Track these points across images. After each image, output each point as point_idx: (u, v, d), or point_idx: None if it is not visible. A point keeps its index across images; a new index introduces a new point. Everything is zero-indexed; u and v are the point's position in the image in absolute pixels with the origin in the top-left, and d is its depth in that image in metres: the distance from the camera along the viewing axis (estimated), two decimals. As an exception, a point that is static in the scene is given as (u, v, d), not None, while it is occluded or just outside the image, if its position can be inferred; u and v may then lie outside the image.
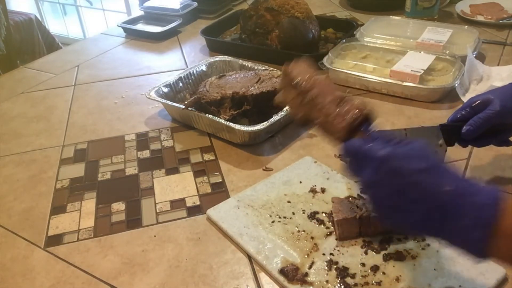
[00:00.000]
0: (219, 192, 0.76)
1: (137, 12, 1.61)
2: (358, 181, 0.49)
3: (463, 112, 0.67)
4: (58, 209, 0.75)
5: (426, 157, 0.45)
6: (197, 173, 0.81)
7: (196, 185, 0.78)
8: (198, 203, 0.74)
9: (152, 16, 1.52)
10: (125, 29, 1.47)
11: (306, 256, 0.61)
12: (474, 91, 0.99)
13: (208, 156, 0.86)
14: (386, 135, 0.50)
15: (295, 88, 0.57)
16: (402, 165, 0.44)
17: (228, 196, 0.75)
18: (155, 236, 0.68)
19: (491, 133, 0.66)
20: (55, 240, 0.69)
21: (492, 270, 0.57)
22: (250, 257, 0.63)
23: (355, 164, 0.49)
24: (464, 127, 0.65)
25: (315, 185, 0.74)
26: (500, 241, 0.39)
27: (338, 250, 0.62)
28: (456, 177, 0.43)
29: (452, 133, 0.66)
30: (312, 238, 0.64)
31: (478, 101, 0.66)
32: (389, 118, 0.94)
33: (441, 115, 0.93)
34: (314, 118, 0.55)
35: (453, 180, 0.43)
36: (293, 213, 0.69)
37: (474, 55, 1.05)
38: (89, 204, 0.76)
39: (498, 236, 0.39)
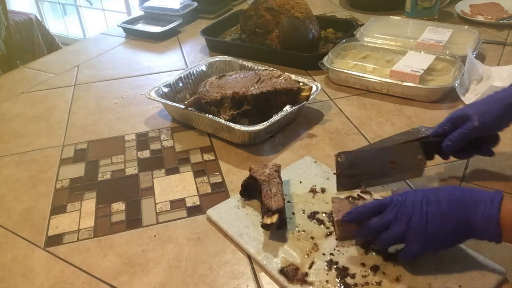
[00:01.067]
0: (219, 192, 0.76)
1: (137, 12, 1.61)
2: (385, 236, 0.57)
3: (444, 127, 0.69)
4: (58, 209, 0.75)
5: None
6: (197, 173, 0.81)
7: (196, 185, 0.78)
8: (198, 203, 0.74)
9: (152, 16, 1.52)
10: (125, 29, 1.47)
11: (306, 256, 0.61)
12: (474, 91, 0.99)
13: (208, 156, 0.86)
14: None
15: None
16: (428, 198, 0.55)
17: (228, 196, 0.75)
18: (155, 236, 0.68)
19: (471, 145, 0.69)
20: (55, 240, 0.69)
21: (492, 271, 0.57)
22: (250, 257, 0.63)
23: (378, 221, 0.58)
24: (444, 142, 0.68)
25: (315, 185, 0.74)
26: (505, 222, 0.50)
27: (338, 250, 0.62)
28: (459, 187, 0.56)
29: (432, 147, 0.69)
30: (312, 238, 0.64)
31: (458, 117, 0.68)
32: (389, 118, 0.94)
33: (441, 115, 0.93)
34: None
35: (460, 189, 0.55)
36: (293, 213, 0.69)
37: (474, 55, 1.05)
38: (89, 204, 0.76)
39: (503, 217, 0.50)
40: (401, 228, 0.55)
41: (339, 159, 0.69)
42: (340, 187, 0.70)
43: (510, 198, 0.52)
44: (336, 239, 0.64)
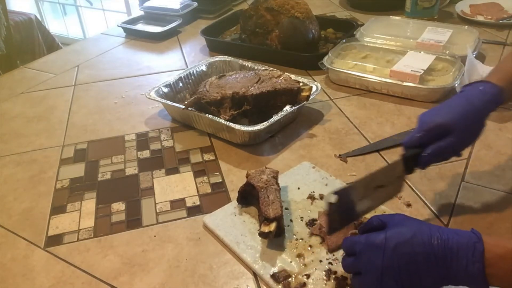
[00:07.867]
0: (219, 192, 0.76)
1: (137, 12, 1.61)
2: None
3: (419, 135, 0.61)
4: (58, 209, 0.75)
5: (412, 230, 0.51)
6: (197, 173, 0.81)
7: (196, 185, 0.78)
8: (198, 203, 0.74)
9: (152, 16, 1.52)
10: (125, 29, 1.47)
11: (304, 265, 0.60)
12: (474, 91, 0.99)
13: (208, 156, 0.86)
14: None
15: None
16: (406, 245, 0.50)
17: (228, 196, 0.75)
18: (155, 236, 0.68)
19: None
20: (55, 240, 0.69)
21: None
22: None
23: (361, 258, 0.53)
24: (423, 158, 0.61)
25: (314, 192, 0.73)
26: (492, 270, 0.47)
27: (337, 259, 0.61)
28: (439, 229, 0.51)
29: (411, 161, 0.62)
30: (310, 246, 0.63)
31: (435, 127, 0.61)
32: (389, 118, 0.94)
33: (441, 115, 0.93)
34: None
35: (435, 234, 0.50)
36: (291, 221, 0.67)
37: (474, 55, 1.05)
38: (89, 204, 0.76)
39: (489, 266, 0.47)
40: (372, 280, 0.51)
41: (331, 200, 0.55)
42: (332, 231, 0.60)
43: (490, 240, 0.48)
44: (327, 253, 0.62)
